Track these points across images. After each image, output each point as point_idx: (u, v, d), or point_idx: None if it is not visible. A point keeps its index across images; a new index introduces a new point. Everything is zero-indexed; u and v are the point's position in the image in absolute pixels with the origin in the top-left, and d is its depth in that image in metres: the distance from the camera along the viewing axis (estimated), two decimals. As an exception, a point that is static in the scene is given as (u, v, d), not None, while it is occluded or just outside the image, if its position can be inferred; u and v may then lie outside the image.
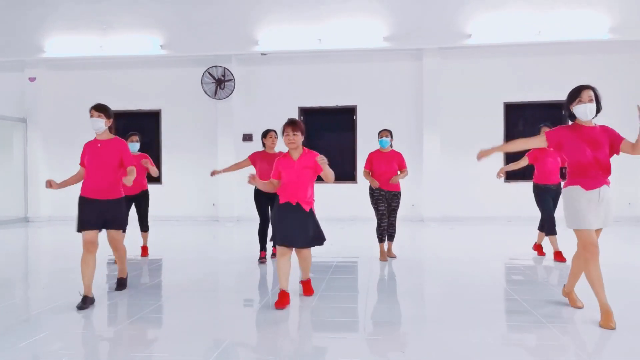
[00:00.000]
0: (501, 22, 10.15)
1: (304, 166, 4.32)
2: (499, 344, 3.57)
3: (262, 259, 6.43)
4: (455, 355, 3.33)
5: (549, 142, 3.95)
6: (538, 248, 6.98)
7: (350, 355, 3.33)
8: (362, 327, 4.00)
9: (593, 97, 3.84)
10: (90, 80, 11.91)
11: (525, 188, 10.89)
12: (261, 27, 10.80)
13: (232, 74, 11.16)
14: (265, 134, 6.35)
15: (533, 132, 11.29)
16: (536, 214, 10.62)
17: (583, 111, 3.83)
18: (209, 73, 11.18)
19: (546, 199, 6.57)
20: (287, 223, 4.30)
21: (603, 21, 9.93)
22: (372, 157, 6.48)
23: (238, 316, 4.34)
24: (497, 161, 11.12)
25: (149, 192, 7.09)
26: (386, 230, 6.62)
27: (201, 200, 11.77)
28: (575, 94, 3.87)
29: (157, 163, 12.04)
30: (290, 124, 4.33)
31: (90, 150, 4.66)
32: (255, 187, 6.11)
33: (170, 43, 10.99)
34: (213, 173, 6.41)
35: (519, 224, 10.37)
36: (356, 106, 11.44)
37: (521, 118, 11.26)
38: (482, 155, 4.13)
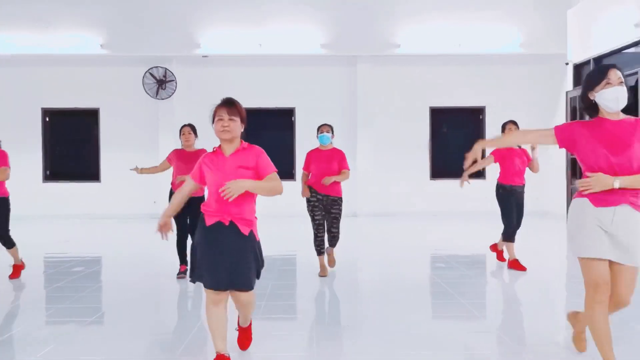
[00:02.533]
0: (427, 35, 11.08)
1: (239, 165, 3.01)
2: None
3: (180, 274, 5.66)
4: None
5: (559, 140, 2.96)
6: (497, 251, 6.43)
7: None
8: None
9: (623, 80, 2.87)
10: (25, 77, 11.72)
11: (450, 185, 11.96)
12: (203, 30, 11.13)
13: (173, 75, 11.42)
14: (180, 130, 5.74)
15: (455, 134, 12.49)
16: (460, 209, 11.74)
17: (613, 97, 2.82)
18: (151, 73, 11.36)
19: (509, 202, 6.07)
20: (216, 255, 3.00)
21: (515, 36, 11.10)
22: (311, 157, 5.64)
23: (176, 313, 4.65)
24: (423, 161, 12.11)
25: (8, 201, 5.94)
26: (323, 247, 5.73)
27: (142, 199, 11.90)
28: (600, 75, 2.86)
29: (96, 161, 12.07)
30: (225, 104, 3.06)
31: None
32: (171, 189, 5.76)
33: (110, 43, 11.07)
34: (138, 170, 5.86)
35: (444, 218, 11.34)
36: (294, 108, 12.03)
37: (444, 121, 12.31)
38: (478, 147, 3.32)
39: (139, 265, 6.81)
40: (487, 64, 11.78)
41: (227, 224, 3.01)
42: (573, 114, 9.94)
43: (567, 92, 10.22)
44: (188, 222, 5.60)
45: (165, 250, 7.74)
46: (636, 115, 7.93)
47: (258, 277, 3.15)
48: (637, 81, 8.39)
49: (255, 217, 3.14)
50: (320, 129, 5.65)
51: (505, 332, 3.93)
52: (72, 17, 11.04)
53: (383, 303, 4.75)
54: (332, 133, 5.63)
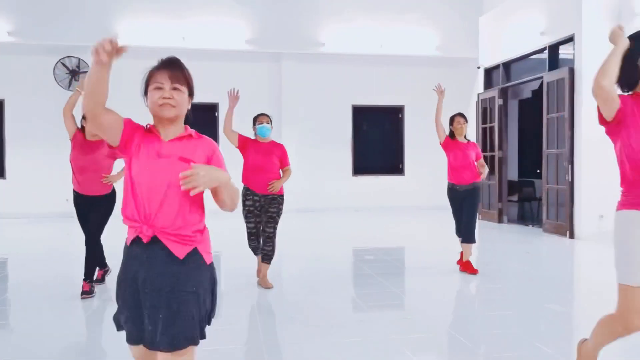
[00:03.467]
0: (350, 35, 11.37)
1: (180, 157, 1.98)
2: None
3: (84, 293, 4.67)
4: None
5: (618, 112, 2.28)
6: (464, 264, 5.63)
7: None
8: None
9: None
10: None
11: (371, 181, 12.37)
12: (121, 20, 10.66)
13: (88, 65, 10.82)
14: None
15: (375, 132, 12.91)
16: (383, 203, 12.19)
17: None
18: (62, 63, 10.71)
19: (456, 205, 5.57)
20: (134, 295, 1.97)
21: (432, 39, 11.66)
22: (247, 143, 4.86)
23: (85, 316, 4.43)
24: (346, 159, 12.40)
25: None
26: (260, 248, 4.95)
27: (52, 196, 11.19)
28: None
29: (1, 156, 11.19)
30: (168, 66, 2.08)
31: None
32: (74, 188, 4.81)
33: (19, 30, 10.30)
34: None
35: (364, 213, 11.70)
36: (218, 103, 11.85)
37: (365, 119, 12.69)
38: None
39: (48, 265, 6.46)
40: (406, 65, 12.27)
41: (146, 241, 1.93)
42: (484, 115, 10.62)
43: (478, 94, 10.90)
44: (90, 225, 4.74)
45: (77, 250, 7.37)
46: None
47: (208, 323, 2.04)
48: (540, 85, 9.15)
49: (206, 231, 2.06)
50: (258, 119, 4.90)
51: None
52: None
53: (307, 293, 4.89)
54: (271, 124, 4.93)
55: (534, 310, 4.34)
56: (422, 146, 11.82)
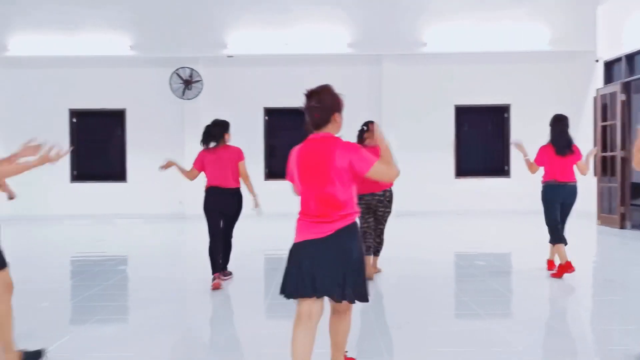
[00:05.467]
0: (453, 33, 11.02)
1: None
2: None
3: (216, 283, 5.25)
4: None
5: None
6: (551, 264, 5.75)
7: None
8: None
9: None
10: (52, 78, 11.84)
11: (474, 184, 11.91)
12: (230, 31, 11.18)
13: (199, 75, 11.48)
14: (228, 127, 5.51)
15: (478, 132, 12.41)
16: (486, 207, 11.71)
17: None
18: (177, 74, 11.44)
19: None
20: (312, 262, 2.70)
21: (543, 34, 10.99)
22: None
23: (201, 315, 4.56)
24: (448, 161, 12.04)
25: None
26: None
27: (167, 199, 11.98)
28: None
29: (122, 161, 12.17)
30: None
31: None
32: (206, 194, 5.40)
33: (139, 44, 11.16)
34: (167, 165, 5.46)
35: (468, 216, 11.28)
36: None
37: (468, 120, 12.25)
38: None
39: (164, 263, 6.88)
40: (513, 62, 11.68)
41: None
42: (604, 111, 9.82)
43: (597, 90, 10.10)
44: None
45: (190, 248, 7.75)
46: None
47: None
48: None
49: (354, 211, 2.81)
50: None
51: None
52: (101, 20, 11.14)
53: (414, 298, 4.75)
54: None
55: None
56: (530, 147, 11.16)
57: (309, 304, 2.69)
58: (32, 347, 3.29)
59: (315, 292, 2.66)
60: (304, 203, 2.77)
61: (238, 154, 5.45)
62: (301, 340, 2.65)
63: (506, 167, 12.17)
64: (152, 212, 11.89)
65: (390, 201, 5.64)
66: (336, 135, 2.82)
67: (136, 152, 12.01)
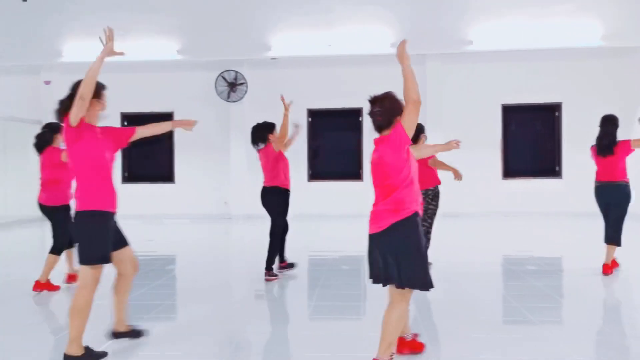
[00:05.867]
0: (500, 30, 10.74)
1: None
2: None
3: (281, 269, 5.85)
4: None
5: None
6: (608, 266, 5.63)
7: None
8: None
9: None
10: (106, 83, 12.27)
11: (523, 185, 11.58)
12: (274, 33, 11.29)
13: (244, 78, 11.65)
14: (272, 128, 5.83)
15: (527, 132, 12.06)
16: (536, 209, 11.36)
17: None
18: (222, 77, 11.65)
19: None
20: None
21: (595, 29, 10.57)
22: None
23: (248, 313, 4.63)
24: (495, 161, 11.76)
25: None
26: None
27: (213, 199, 12.22)
28: None
29: (170, 163, 12.49)
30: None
31: None
32: (280, 186, 5.71)
33: (186, 48, 11.44)
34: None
35: (516, 218, 10.98)
36: (362, 108, 11.98)
37: (515, 119, 11.92)
38: None
39: (210, 263, 6.99)
40: (564, 59, 11.31)
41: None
42: (662, 109, 9.36)
43: (655, 86, 9.64)
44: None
45: (235, 249, 7.85)
46: None
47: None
48: None
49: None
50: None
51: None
52: (150, 25, 11.47)
53: (449, 306, 4.64)
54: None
55: None
56: (583, 146, 10.77)
57: (389, 290, 3.04)
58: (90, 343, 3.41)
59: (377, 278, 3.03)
60: (376, 194, 3.08)
61: (266, 151, 5.75)
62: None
63: (557, 168, 11.78)
64: (199, 213, 12.15)
65: (433, 198, 5.69)
66: None
67: (183, 154, 12.31)
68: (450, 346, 3.63)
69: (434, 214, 5.73)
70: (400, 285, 2.92)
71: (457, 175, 5.68)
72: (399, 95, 3.13)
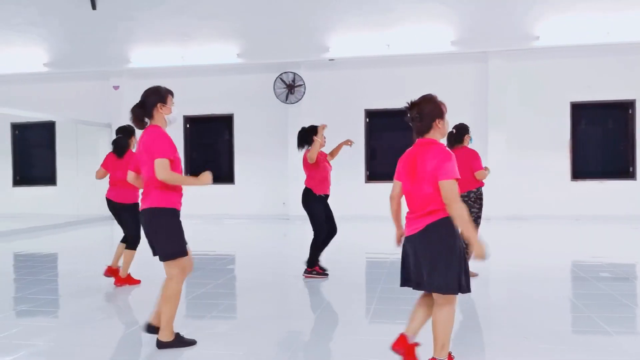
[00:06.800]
0: (570, 24, 10.26)
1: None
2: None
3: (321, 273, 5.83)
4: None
5: None
6: None
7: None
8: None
9: None
10: (170, 87, 12.69)
11: (593, 187, 10.98)
12: (332, 35, 11.31)
13: (302, 79, 11.72)
14: (316, 130, 5.70)
15: (598, 131, 11.43)
16: (608, 212, 10.76)
17: None
18: (281, 79, 11.77)
19: None
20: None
21: (675, 20, 9.90)
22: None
23: (307, 314, 4.64)
24: (563, 162, 11.21)
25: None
26: None
27: (272, 200, 12.36)
28: None
29: (230, 164, 12.75)
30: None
31: None
32: (311, 190, 5.70)
33: (246, 51, 11.65)
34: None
35: (586, 222, 10.43)
36: (421, 108, 11.75)
37: (585, 117, 11.33)
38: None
39: (270, 263, 7.04)
40: (638, 53, 10.64)
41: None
42: None
43: None
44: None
45: (294, 248, 7.89)
46: None
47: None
48: None
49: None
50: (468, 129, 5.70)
51: None
52: (211, 30, 11.78)
53: (515, 314, 4.41)
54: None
55: None
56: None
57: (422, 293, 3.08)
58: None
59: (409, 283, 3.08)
60: (407, 201, 3.06)
61: (305, 155, 5.79)
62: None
63: (631, 169, 11.10)
64: (258, 213, 12.33)
65: (475, 201, 5.54)
66: (441, 139, 3.09)
67: (243, 155, 12.53)
68: (515, 358, 3.45)
69: (478, 216, 5.56)
70: (427, 289, 2.96)
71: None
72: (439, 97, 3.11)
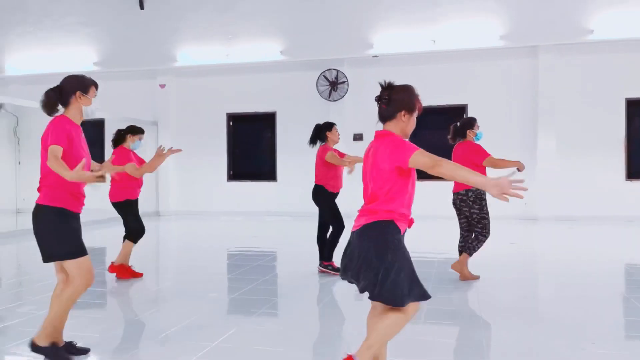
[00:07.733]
0: (625, 17, 9.81)
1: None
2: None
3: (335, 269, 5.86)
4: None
5: None
6: None
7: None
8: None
9: None
10: (212, 85, 12.88)
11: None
12: (376, 31, 11.19)
13: (345, 76, 11.65)
14: (330, 127, 5.93)
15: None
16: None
17: None
18: (324, 76, 11.73)
19: None
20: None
21: None
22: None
23: (352, 313, 4.47)
24: (618, 160, 10.75)
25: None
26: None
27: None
28: None
29: (273, 161, 12.80)
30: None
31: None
32: (324, 187, 5.90)
33: (289, 49, 11.67)
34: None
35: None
36: (466, 105, 11.50)
37: (641, 114, 10.84)
38: None
39: (313, 261, 6.99)
40: (702, 45, 10.09)
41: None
42: None
43: None
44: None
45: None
46: None
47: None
48: None
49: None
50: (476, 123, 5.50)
51: None
52: (254, 29, 11.86)
53: (566, 318, 4.20)
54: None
55: None
56: None
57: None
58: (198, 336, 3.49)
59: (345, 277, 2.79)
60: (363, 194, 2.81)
61: (321, 151, 5.91)
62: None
63: (692, 168, 10.54)
64: (300, 210, 12.32)
65: (474, 201, 5.16)
66: (403, 137, 2.73)
67: (285, 152, 12.56)
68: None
69: (482, 217, 5.16)
70: (372, 297, 2.62)
71: (521, 167, 4.98)
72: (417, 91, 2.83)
